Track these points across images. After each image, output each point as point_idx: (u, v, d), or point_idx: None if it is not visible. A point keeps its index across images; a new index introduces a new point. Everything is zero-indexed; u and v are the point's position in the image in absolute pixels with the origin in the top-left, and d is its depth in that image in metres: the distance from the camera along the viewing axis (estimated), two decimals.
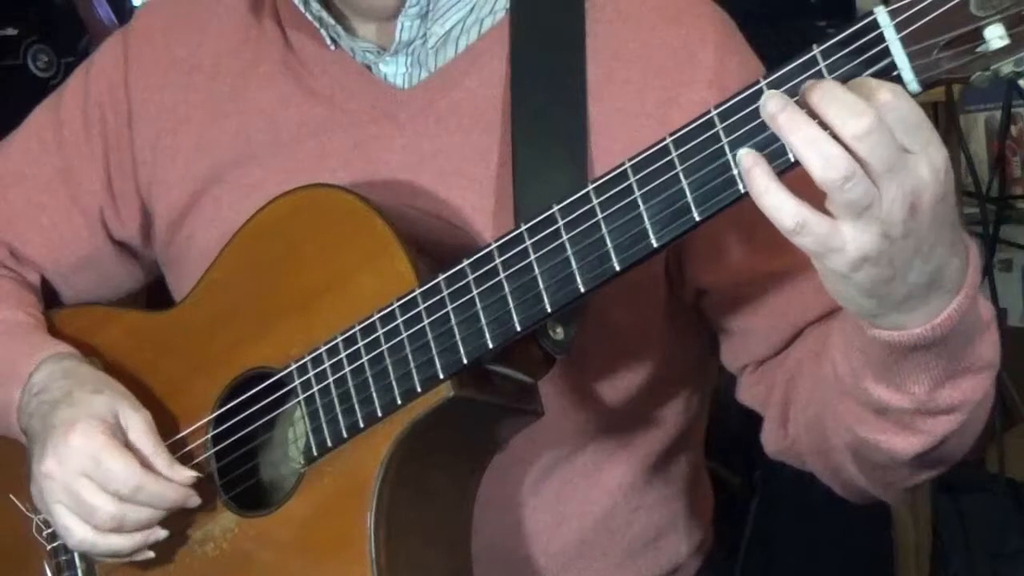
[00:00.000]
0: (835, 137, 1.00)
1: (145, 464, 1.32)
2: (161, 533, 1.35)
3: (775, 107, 1.02)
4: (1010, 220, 3.24)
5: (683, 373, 1.47)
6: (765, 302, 1.35)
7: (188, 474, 1.34)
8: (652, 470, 1.46)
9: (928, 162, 1.02)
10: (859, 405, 1.18)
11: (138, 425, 1.34)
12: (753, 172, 1.04)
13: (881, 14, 1.02)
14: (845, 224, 1.02)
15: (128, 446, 1.33)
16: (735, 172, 1.07)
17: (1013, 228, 3.27)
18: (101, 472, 1.31)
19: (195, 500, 1.34)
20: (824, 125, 1.01)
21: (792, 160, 1.04)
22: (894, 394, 1.15)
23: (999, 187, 3.22)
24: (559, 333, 1.25)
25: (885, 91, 1.00)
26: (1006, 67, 1.00)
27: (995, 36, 0.99)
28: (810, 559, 2.70)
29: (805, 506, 2.53)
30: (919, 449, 1.19)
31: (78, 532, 1.34)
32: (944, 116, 2.83)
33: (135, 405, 1.36)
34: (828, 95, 1.01)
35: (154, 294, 1.65)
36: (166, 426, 1.37)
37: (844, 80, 1.02)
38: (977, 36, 1.00)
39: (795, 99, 1.03)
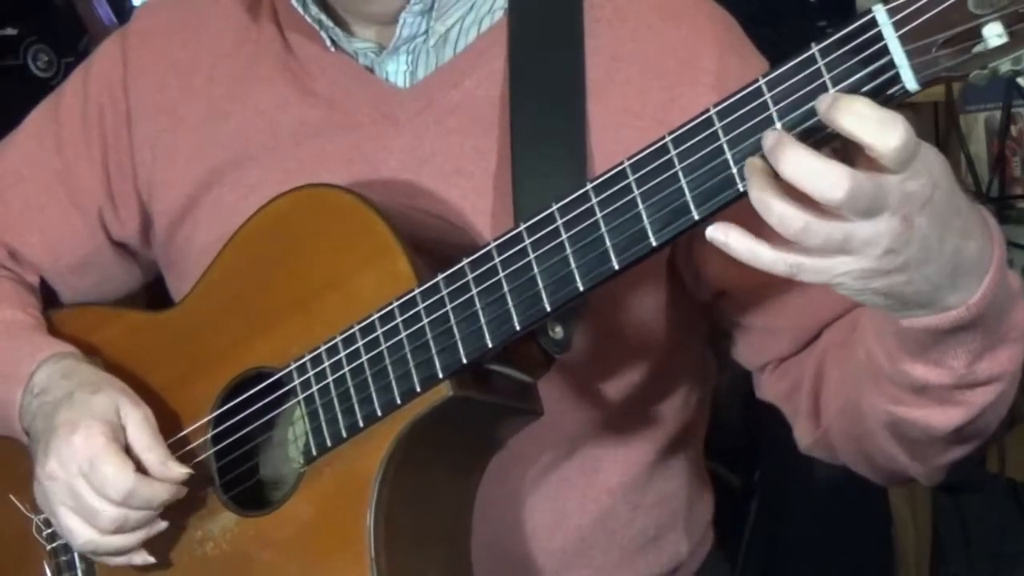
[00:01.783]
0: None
1: (139, 461, 1.32)
2: (162, 524, 1.35)
3: (747, 171, 1.03)
4: (1010, 220, 3.23)
5: (683, 371, 1.47)
6: (791, 302, 1.35)
7: (181, 471, 1.33)
8: (652, 468, 1.46)
9: (918, 174, 1.01)
10: (896, 386, 1.18)
11: (136, 420, 1.34)
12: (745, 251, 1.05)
13: (879, 12, 1.01)
14: (838, 259, 1.03)
15: (127, 443, 1.33)
16: (734, 171, 1.07)
17: (1013, 228, 3.25)
18: (96, 476, 1.31)
19: (183, 491, 1.34)
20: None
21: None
22: (933, 370, 1.15)
23: (999, 187, 3.21)
24: (558, 332, 1.25)
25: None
26: (1004, 65, 1.00)
27: (993, 34, 0.99)
28: (810, 559, 2.70)
29: (805, 506, 2.53)
30: (958, 422, 1.19)
31: (83, 534, 1.34)
32: (944, 116, 2.83)
33: (135, 401, 1.36)
34: (800, 167, 1.00)
35: (154, 294, 1.65)
36: (166, 426, 1.37)
37: (841, 80, 1.02)
38: (975, 34, 0.99)
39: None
